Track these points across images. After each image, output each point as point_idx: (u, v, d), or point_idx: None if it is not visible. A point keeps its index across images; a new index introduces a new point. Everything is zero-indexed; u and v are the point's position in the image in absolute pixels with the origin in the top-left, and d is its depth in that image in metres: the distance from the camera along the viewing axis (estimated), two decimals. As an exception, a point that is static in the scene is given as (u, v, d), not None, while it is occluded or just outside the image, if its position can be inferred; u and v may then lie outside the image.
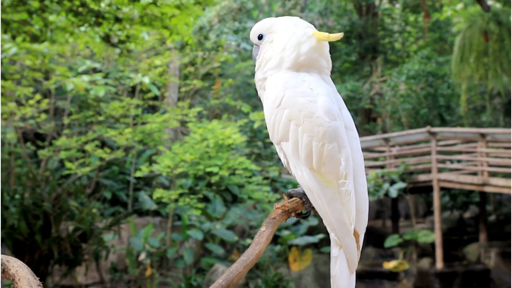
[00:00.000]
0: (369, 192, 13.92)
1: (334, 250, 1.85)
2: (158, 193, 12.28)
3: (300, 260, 12.90)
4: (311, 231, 13.79)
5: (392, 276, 13.65)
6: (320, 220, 13.82)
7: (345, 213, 1.82)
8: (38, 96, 11.91)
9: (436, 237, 13.40)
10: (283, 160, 1.92)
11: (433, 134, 13.71)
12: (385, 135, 15.32)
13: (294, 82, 1.85)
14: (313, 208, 1.90)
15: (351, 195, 1.82)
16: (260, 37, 1.98)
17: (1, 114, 11.07)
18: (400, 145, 15.36)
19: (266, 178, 14.81)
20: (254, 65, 2.01)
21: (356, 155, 1.89)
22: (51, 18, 7.86)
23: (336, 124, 1.82)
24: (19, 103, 12.52)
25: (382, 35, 20.95)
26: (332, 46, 19.49)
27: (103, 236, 11.13)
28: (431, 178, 13.74)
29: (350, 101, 18.12)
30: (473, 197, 16.59)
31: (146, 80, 12.58)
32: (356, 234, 1.85)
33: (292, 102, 1.83)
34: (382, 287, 13.60)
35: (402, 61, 19.97)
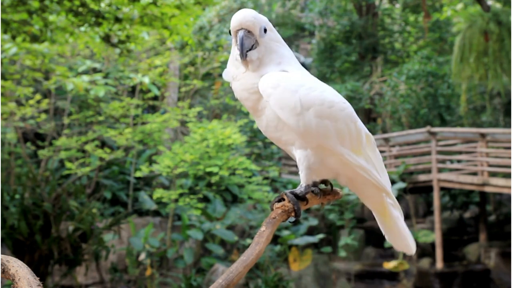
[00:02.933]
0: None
1: (395, 213, 1.96)
2: (158, 193, 12.28)
3: (300, 260, 12.90)
4: (311, 231, 13.79)
5: (392, 276, 13.65)
6: (320, 220, 13.69)
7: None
8: (38, 96, 11.91)
9: (436, 237, 13.40)
10: (303, 159, 1.81)
11: (433, 134, 13.71)
12: (385, 135, 15.32)
13: (296, 81, 1.77)
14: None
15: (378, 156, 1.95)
16: (265, 31, 1.79)
17: (1, 114, 11.06)
18: (400, 145, 15.36)
19: (266, 178, 14.81)
20: (243, 54, 1.73)
21: None
22: (51, 18, 7.86)
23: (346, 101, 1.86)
24: (19, 103, 12.52)
25: (382, 35, 20.94)
26: (332, 46, 19.50)
27: (103, 236, 11.13)
28: (431, 178, 13.74)
29: (350, 101, 17.97)
30: (473, 197, 16.58)
31: (146, 80, 12.58)
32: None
33: (311, 99, 1.76)
34: (382, 287, 13.59)
35: (402, 61, 19.96)
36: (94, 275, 11.96)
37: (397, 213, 1.95)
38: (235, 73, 1.79)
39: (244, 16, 1.74)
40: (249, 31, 1.75)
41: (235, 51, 1.78)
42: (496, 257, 13.67)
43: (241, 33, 1.73)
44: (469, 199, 16.82)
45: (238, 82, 1.79)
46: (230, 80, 1.82)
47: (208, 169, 12.56)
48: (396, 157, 15.05)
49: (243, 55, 1.73)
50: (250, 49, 1.74)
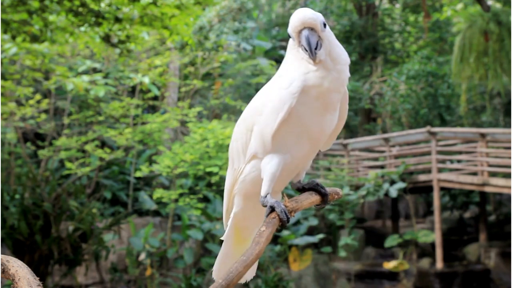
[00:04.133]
0: (369, 192, 13.91)
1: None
2: (158, 193, 12.27)
3: (300, 260, 12.90)
4: (311, 231, 13.78)
5: (392, 276, 13.64)
6: (320, 220, 13.65)
7: None
8: (38, 96, 11.90)
9: (436, 237, 13.39)
10: None
11: (433, 134, 13.71)
12: (385, 135, 15.31)
13: None
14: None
15: None
16: (324, 25, 1.76)
17: (1, 114, 11.06)
18: (400, 145, 15.36)
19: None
20: (312, 53, 1.70)
21: None
22: (51, 18, 7.86)
23: None
24: (19, 103, 12.51)
25: (382, 35, 20.95)
26: (332, 46, 19.48)
27: (103, 236, 11.13)
28: (431, 178, 13.73)
29: (350, 101, 18.01)
30: (473, 197, 16.58)
31: (146, 80, 12.58)
32: None
33: None
34: (382, 287, 13.59)
35: (402, 61, 19.97)
36: (94, 275, 11.97)
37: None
38: (308, 69, 1.74)
39: (305, 15, 1.73)
40: (311, 29, 1.73)
41: (300, 53, 1.75)
42: (496, 257, 13.67)
43: (306, 32, 1.72)
44: (469, 199, 16.81)
45: (333, 76, 1.73)
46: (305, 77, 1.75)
47: (208, 169, 12.56)
48: (396, 157, 15.04)
49: (313, 53, 1.70)
50: (316, 47, 1.71)
